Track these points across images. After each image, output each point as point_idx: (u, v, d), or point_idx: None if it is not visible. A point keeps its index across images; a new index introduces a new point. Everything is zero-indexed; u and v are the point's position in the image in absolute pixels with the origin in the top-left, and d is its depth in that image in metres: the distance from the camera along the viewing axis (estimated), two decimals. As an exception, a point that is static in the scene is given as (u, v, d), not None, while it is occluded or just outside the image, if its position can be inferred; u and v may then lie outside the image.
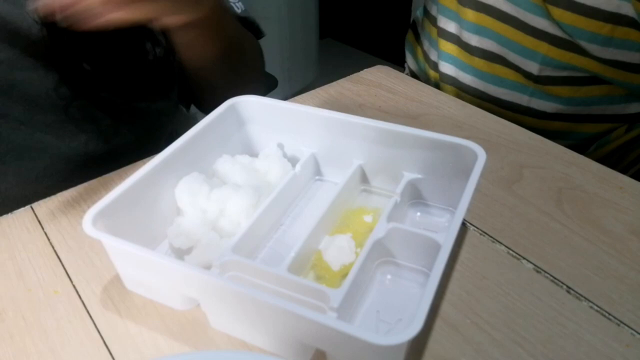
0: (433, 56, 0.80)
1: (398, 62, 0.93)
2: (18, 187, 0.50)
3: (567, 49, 0.64)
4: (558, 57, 0.65)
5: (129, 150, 0.51)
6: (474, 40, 0.71)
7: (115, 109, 0.53)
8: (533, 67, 0.67)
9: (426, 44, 0.83)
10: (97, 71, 0.51)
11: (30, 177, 0.50)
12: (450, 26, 0.74)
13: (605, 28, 0.60)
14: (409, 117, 0.57)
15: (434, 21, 0.79)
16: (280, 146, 0.46)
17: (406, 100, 0.60)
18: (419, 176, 0.42)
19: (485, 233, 0.42)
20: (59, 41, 0.48)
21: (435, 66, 0.80)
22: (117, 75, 0.53)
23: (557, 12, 0.61)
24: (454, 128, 0.55)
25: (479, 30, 0.70)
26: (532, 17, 0.64)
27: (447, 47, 0.76)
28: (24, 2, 0.45)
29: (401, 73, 0.66)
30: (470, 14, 0.70)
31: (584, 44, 0.62)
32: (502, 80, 0.71)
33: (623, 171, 0.74)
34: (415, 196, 0.43)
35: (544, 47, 0.65)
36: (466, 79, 0.74)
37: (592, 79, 0.66)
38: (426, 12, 0.83)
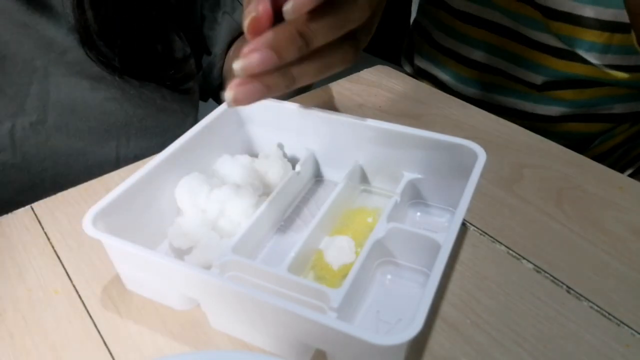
0: (429, 69, 0.80)
1: (398, 62, 0.93)
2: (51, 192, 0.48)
3: (569, 59, 0.64)
4: (560, 68, 0.65)
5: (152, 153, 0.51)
6: (474, 55, 0.71)
7: (141, 103, 0.54)
8: (537, 79, 0.67)
9: (419, 59, 0.83)
10: (126, 65, 0.51)
11: (65, 182, 0.48)
12: (448, 42, 0.74)
13: (603, 36, 0.60)
14: (409, 117, 0.56)
15: (428, 37, 0.79)
16: (280, 146, 0.46)
17: (406, 100, 0.60)
18: (419, 176, 0.42)
19: (485, 233, 0.42)
20: (92, 47, 0.48)
21: (434, 78, 0.80)
22: (144, 64, 0.53)
23: (555, 25, 0.62)
24: (454, 128, 0.55)
25: (480, 45, 0.70)
26: (533, 31, 0.65)
27: (445, 61, 0.76)
28: (58, 11, 0.47)
29: (401, 73, 0.66)
30: (470, 30, 0.70)
31: (582, 52, 0.62)
32: (505, 90, 0.71)
33: (628, 165, 0.75)
34: (415, 196, 0.43)
35: (546, 60, 0.65)
36: (468, 91, 0.74)
37: (595, 82, 0.66)
38: (417, 25, 0.83)
